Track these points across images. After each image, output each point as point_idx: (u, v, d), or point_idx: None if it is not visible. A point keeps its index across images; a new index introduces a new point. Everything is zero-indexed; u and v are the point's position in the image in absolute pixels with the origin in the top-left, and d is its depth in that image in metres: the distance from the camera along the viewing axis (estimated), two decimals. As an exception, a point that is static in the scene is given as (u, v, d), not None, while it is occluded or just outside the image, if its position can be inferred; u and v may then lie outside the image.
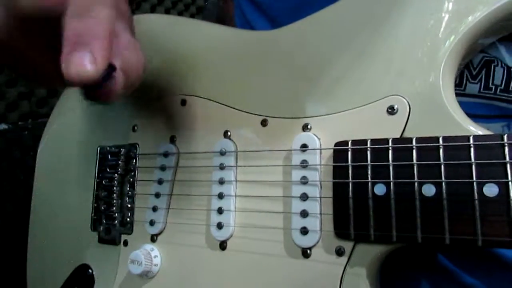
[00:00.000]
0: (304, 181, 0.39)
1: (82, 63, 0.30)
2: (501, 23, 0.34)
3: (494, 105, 0.43)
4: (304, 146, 0.39)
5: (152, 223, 0.48)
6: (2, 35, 0.35)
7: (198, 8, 1.55)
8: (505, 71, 0.42)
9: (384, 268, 0.37)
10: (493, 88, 0.42)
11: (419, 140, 0.33)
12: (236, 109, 0.45)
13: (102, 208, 0.53)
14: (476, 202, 0.31)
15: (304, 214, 0.38)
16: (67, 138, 0.62)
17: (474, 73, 0.42)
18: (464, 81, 0.43)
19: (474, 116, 0.34)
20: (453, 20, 0.34)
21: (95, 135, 0.57)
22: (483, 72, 0.42)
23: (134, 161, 0.51)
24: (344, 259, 0.36)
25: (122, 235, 0.51)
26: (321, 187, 0.38)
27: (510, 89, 0.42)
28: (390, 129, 0.36)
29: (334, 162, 0.37)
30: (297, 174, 0.39)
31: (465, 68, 0.42)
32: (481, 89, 0.42)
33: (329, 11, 0.41)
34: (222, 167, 0.44)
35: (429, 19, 0.35)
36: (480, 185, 0.31)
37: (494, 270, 0.42)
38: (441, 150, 0.32)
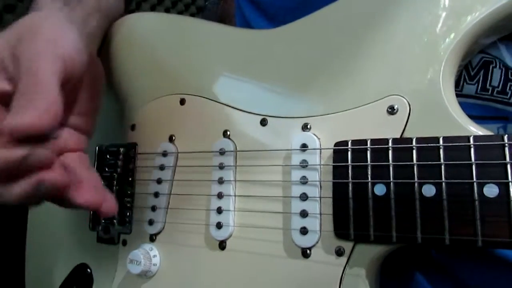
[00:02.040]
0: (303, 181, 0.38)
1: None
2: (501, 23, 0.34)
3: (490, 106, 0.43)
4: (303, 146, 0.39)
5: (151, 222, 0.47)
6: None
7: (198, 8, 1.55)
8: (503, 73, 0.42)
9: (383, 267, 0.37)
10: (490, 90, 0.42)
11: (419, 140, 0.33)
12: (236, 108, 0.45)
13: (101, 207, 0.53)
14: (476, 202, 0.31)
15: (303, 214, 0.38)
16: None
17: (472, 73, 0.42)
18: (462, 82, 0.43)
19: (470, 117, 0.34)
20: (451, 20, 0.34)
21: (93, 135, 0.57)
22: (481, 73, 0.42)
23: (132, 160, 0.51)
24: (343, 260, 0.36)
25: (121, 235, 0.51)
26: (320, 187, 0.38)
27: (507, 90, 0.42)
28: (390, 129, 0.36)
29: (334, 162, 0.37)
30: (296, 174, 0.39)
31: (463, 69, 0.42)
32: (478, 90, 0.42)
33: (328, 11, 0.41)
34: (221, 166, 0.44)
35: (427, 19, 0.35)
36: (480, 186, 0.31)
37: (493, 268, 0.42)
38: (441, 151, 0.32)
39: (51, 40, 0.35)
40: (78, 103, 0.41)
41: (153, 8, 1.36)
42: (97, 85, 0.43)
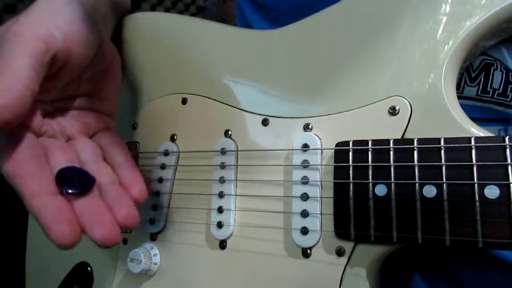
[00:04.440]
0: (304, 181, 0.39)
1: None
2: (501, 26, 0.34)
3: (491, 108, 0.43)
4: (305, 146, 0.39)
5: (152, 221, 0.47)
6: None
7: (198, 8, 1.55)
8: (504, 75, 0.42)
9: (383, 268, 0.37)
10: (491, 92, 0.42)
11: (420, 141, 0.33)
12: (237, 108, 0.45)
13: (102, 206, 0.53)
14: (477, 203, 0.31)
15: (304, 214, 0.38)
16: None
17: (473, 76, 0.43)
18: (462, 84, 0.43)
19: (471, 119, 0.34)
20: (451, 24, 0.35)
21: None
22: (482, 75, 0.42)
23: (134, 159, 0.51)
24: (344, 260, 0.36)
25: (122, 234, 0.51)
26: (321, 187, 0.38)
27: (508, 93, 0.42)
28: (391, 130, 0.36)
29: (335, 162, 0.37)
30: (297, 174, 0.39)
31: (464, 71, 0.42)
32: (479, 92, 0.43)
33: (331, 12, 0.41)
34: (222, 166, 0.44)
35: (427, 21, 0.36)
36: (481, 187, 0.31)
37: (493, 270, 0.42)
38: (442, 151, 0.32)
39: (36, 19, 0.33)
40: (98, 86, 0.41)
41: (153, 8, 1.36)
42: (114, 67, 0.44)
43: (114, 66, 0.43)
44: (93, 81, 0.40)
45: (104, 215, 0.32)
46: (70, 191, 0.31)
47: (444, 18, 0.35)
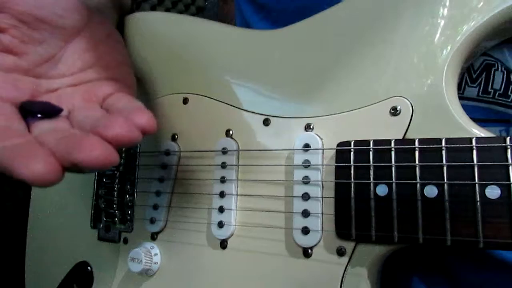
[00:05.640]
0: (306, 181, 0.39)
1: None
2: (502, 27, 0.34)
3: (492, 109, 0.43)
4: (306, 146, 0.39)
5: (152, 221, 0.48)
6: None
7: (198, 8, 1.54)
8: (505, 76, 0.42)
9: (384, 268, 0.37)
10: (492, 92, 0.42)
11: (421, 141, 0.33)
12: (238, 108, 0.45)
13: (102, 205, 0.53)
14: (478, 204, 0.31)
15: (305, 213, 0.38)
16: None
17: (474, 76, 0.43)
18: (463, 85, 0.43)
19: (472, 120, 0.34)
20: (449, 27, 0.35)
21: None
22: (483, 76, 0.42)
23: (135, 158, 0.51)
24: (345, 259, 0.36)
25: (122, 233, 0.51)
26: (323, 187, 0.38)
27: (509, 93, 0.42)
28: (392, 130, 0.36)
29: (336, 162, 0.37)
30: (299, 174, 0.39)
31: (465, 72, 0.43)
32: (480, 93, 0.43)
33: (331, 12, 0.41)
34: (223, 165, 0.44)
35: (426, 24, 0.36)
36: (482, 187, 0.31)
37: (492, 270, 0.42)
38: (443, 152, 0.32)
39: None
40: (97, 56, 0.41)
41: (153, 8, 1.35)
42: (115, 41, 0.44)
43: (113, 41, 0.44)
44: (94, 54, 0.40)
45: (84, 137, 0.27)
46: (34, 116, 0.30)
47: (442, 21, 0.35)
